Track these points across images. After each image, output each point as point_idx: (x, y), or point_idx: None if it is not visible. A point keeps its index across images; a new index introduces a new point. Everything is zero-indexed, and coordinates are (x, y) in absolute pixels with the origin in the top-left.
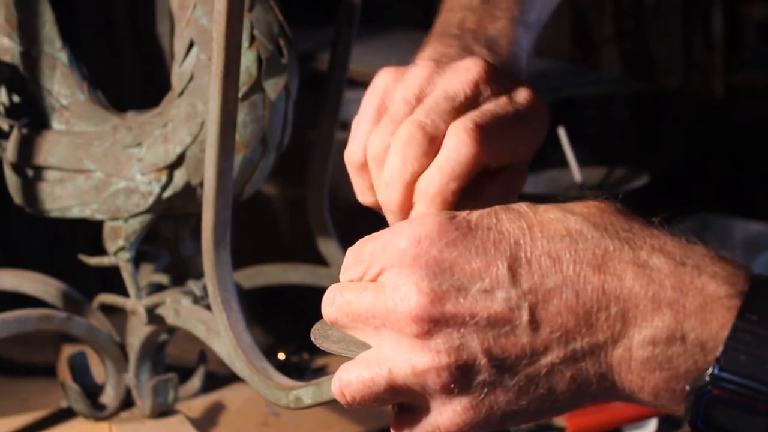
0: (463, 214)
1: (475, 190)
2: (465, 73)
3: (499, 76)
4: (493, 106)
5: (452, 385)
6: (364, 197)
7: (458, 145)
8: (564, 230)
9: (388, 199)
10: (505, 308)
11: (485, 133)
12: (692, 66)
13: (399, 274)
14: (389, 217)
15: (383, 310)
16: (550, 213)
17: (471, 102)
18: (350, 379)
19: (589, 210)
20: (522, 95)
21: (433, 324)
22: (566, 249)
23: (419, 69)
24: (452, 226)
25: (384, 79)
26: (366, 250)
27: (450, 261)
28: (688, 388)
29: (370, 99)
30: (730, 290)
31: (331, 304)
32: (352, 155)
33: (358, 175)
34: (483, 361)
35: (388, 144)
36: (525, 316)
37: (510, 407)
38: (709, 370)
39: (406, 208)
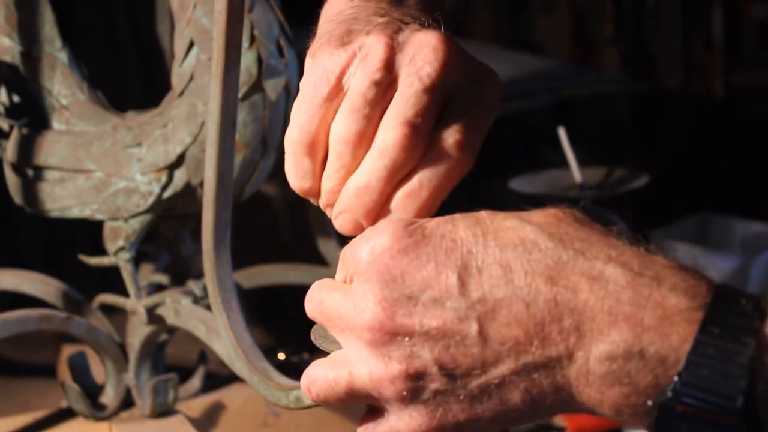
0: (421, 221)
1: None
2: (432, 54)
3: (463, 58)
4: (474, 110)
5: (405, 393)
6: (302, 182)
7: (453, 165)
8: (518, 239)
9: (359, 205)
10: (454, 318)
11: (472, 145)
12: (692, 66)
13: (358, 281)
14: (346, 219)
15: (345, 314)
16: (507, 221)
17: (445, 90)
18: (316, 376)
19: (546, 219)
20: (490, 86)
21: (384, 333)
22: (518, 258)
23: (378, 46)
24: (406, 234)
25: (335, 57)
26: (347, 253)
27: (401, 269)
28: (650, 403)
29: (319, 74)
30: (691, 303)
31: (310, 300)
32: (300, 134)
33: (304, 157)
34: (434, 369)
35: (361, 131)
36: (474, 327)
37: (464, 415)
38: (671, 386)
39: (374, 216)
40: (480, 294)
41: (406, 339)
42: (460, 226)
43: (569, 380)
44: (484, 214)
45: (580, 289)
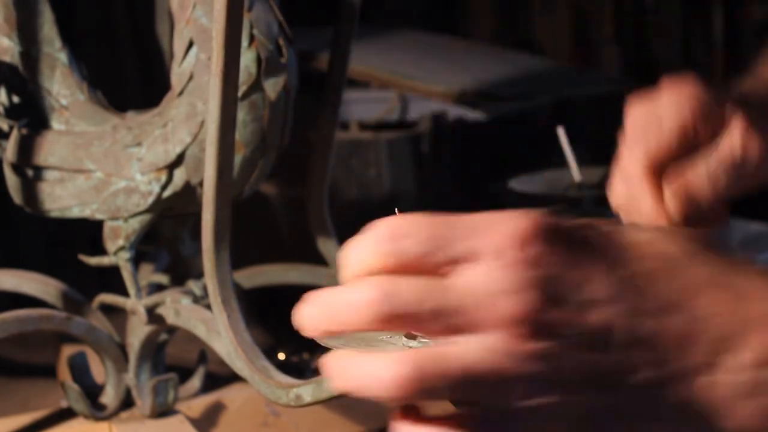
0: (575, 221)
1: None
2: None
3: None
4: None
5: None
6: None
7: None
8: (674, 253)
9: None
10: (602, 322)
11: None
12: (692, 66)
13: (499, 269)
14: None
15: (475, 303)
16: (660, 233)
17: None
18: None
19: (696, 237)
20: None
21: (531, 327)
22: (674, 271)
23: None
24: (563, 230)
25: None
26: (459, 225)
27: (563, 265)
28: None
29: None
30: None
31: (376, 297)
32: None
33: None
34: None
35: None
36: (621, 333)
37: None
38: None
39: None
40: (640, 302)
41: (550, 336)
42: (617, 232)
43: (704, 393)
44: (638, 224)
45: (728, 302)
